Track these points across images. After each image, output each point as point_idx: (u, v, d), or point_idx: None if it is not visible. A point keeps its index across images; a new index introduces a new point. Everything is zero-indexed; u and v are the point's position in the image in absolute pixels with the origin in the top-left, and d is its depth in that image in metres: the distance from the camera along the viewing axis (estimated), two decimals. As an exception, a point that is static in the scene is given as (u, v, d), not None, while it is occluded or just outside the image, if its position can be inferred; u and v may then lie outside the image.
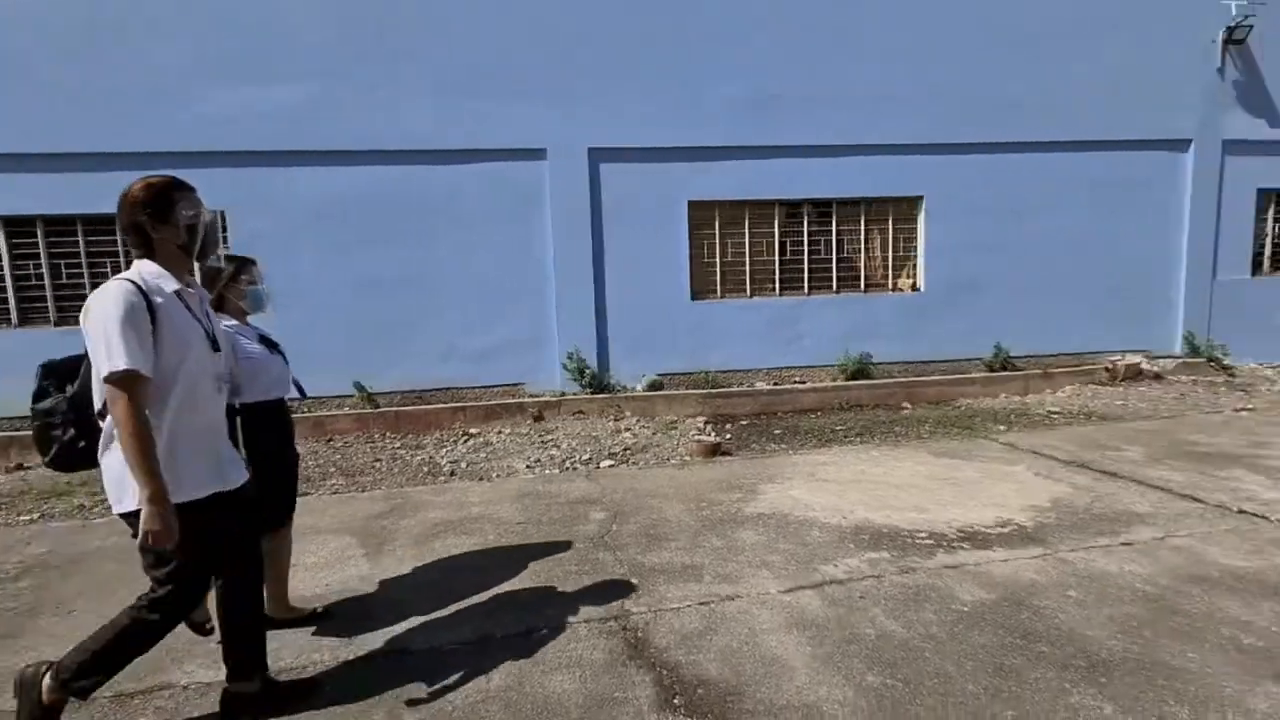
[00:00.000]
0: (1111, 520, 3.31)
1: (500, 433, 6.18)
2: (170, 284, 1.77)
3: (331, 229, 6.63)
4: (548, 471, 4.78)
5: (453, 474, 4.83)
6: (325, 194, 6.60)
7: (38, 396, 1.84)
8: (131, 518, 1.71)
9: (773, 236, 7.44)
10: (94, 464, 1.81)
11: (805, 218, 7.46)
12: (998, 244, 7.70)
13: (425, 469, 4.98)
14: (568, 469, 4.82)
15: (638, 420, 6.44)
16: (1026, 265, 7.79)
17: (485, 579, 2.90)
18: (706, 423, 6.40)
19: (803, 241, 7.48)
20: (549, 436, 5.87)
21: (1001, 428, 5.55)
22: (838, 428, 5.83)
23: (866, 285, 7.69)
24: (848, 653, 2.19)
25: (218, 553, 1.86)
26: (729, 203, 7.29)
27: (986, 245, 7.66)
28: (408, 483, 4.62)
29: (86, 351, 1.72)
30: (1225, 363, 7.94)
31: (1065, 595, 2.53)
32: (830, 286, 7.60)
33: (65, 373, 1.87)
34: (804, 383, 7.34)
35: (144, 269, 1.77)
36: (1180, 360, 7.85)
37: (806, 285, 7.55)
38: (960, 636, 2.25)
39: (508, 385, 7.06)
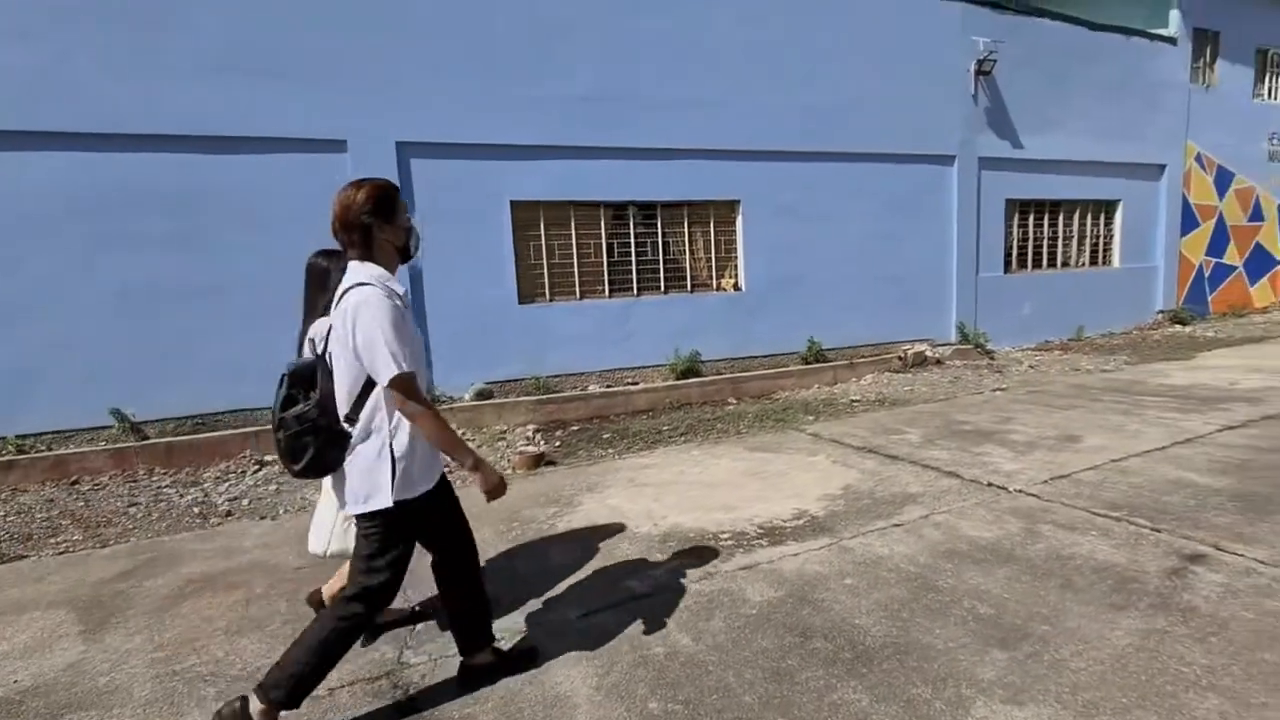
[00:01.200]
0: (889, 503, 3.62)
1: (304, 458, 5.49)
2: (397, 286, 1.83)
3: (85, 227, 5.47)
4: (349, 501, 4.29)
5: (230, 514, 4.17)
6: (74, 185, 5.42)
7: (287, 404, 1.84)
8: (375, 516, 1.79)
9: (600, 238, 7.40)
10: (334, 469, 1.86)
11: (631, 220, 7.52)
12: (808, 245, 8.31)
13: (196, 510, 4.25)
14: (373, 496, 4.37)
15: (464, 433, 6.06)
16: (832, 265, 8.50)
17: (231, 651, 2.46)
18: (537, 431, 6.20)
19: (630, 243, 7.53)
20: (359, 459, 5.31)
21: (810, 418, 5.96)
22: (665, 428, 5.91)
23: (693, 285, 7.94)
24: (634, 678, 2.11)
25: (446, 534, 1.99)
26: (554, 203, 7.13)
27: (798, 246, 8.25)
28: (168, 530, 3.90)
29: (321, 357, 1.85)
30: (988, 348, 9.28)
31: (843, 584, 2.67)
32: (658, 287, 7.74)
33: (309, 379, 1.88)
34: (637, 384, 7.40)
35: (374, 273, 1.80)
36: (955, 347, 9.05)
37: (635, 286, 7.62)
38: (745, 642, 2.28)
39: (314, 403, 6.33)
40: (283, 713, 1.78)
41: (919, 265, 9.11)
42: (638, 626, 2.43)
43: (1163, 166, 11.14)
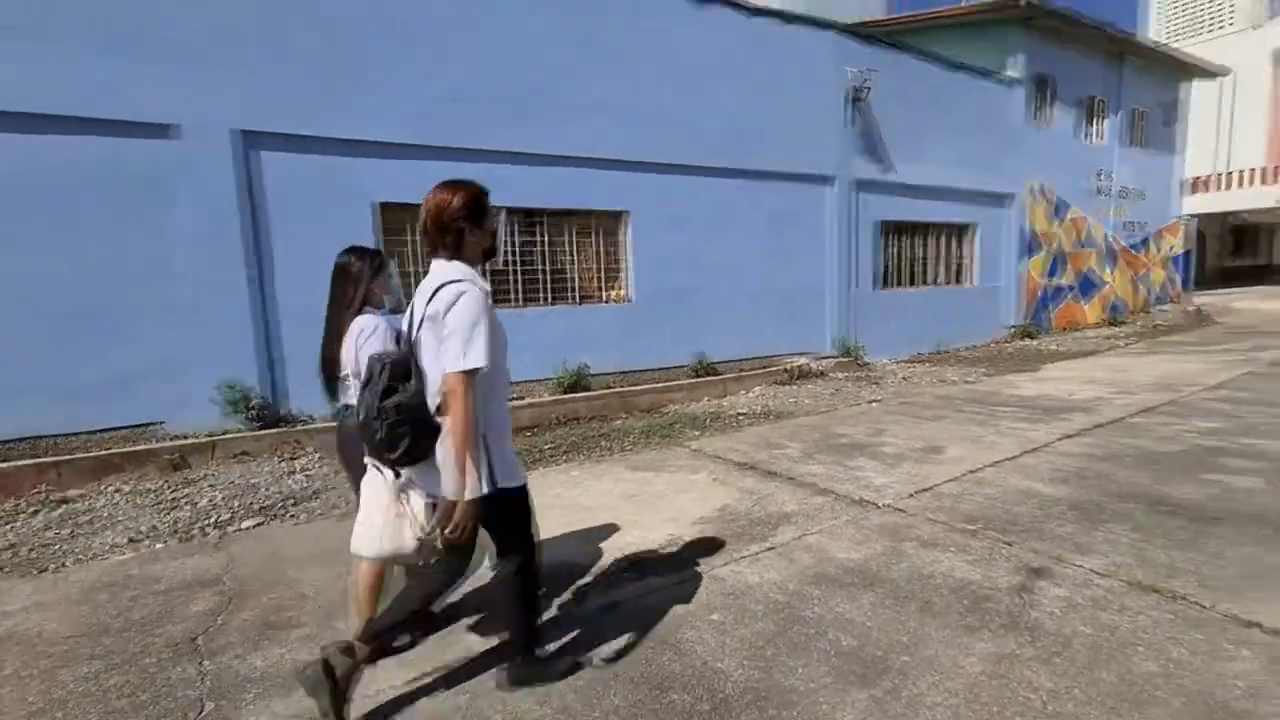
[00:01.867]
0: (764, 524, 3.54)
1: (118, 492, 4.68)
2: (485, 284, 1.90)
3: None
4: (159, 545, 3.64)
5: (-4, 569, 3.40)
6: None
7: (386, 394, 1.84)
8: (492, 500, 1.87)
9: (481, 246, 7.00)
10: (425, 458, 1.87)
11: (514, 227, 7.18)
12: (696, 258, 8.34)
13: (-52, 566, 3.43)
14: (191, 537, 3.74)
15: (321, 457, 5.45)
16: (720, 278, 8.58)
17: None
18: (407, 452, 5.69)
19: (514, 252, 7.19)
20: (186, 491, 4.60)
21: (696, 434, 5.88)
22: (547, 447, 5.61)
23: (580, 297, 7.71)
24: (462, 759, 1.81)
25: (521, 533, 2.07)
26: (430, 207, 6.66)
27: (687, 259, 8.25)
28: (-101, 596, 3.10)
29: (415, 334, 1.88)
30: (866, 361, 9.75)
31: (709, 620, 2.51)
32: (544, 298, 7.44)
33: (406, 370, 1.87)
34: (522, 399, 7.04)
35: (464, 271, 1.89)
36: (836, 360, 9.42)
37: (520, 297, 7.28)
38: (596, 701, 2.04)
39: (137, 427, 5.46)
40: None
41: (801, 281, 9.42)
42: (483, 686, 2.13)
43: (1010, 196, 12.29)
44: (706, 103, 8.18)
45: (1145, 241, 15.93)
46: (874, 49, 9.83)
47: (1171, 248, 16.97)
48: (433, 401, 1.85)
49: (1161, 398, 6.45)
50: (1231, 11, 25.85)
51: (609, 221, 7.81)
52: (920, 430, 5.57)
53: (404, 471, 2.00)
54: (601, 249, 7.78)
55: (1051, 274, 13.55)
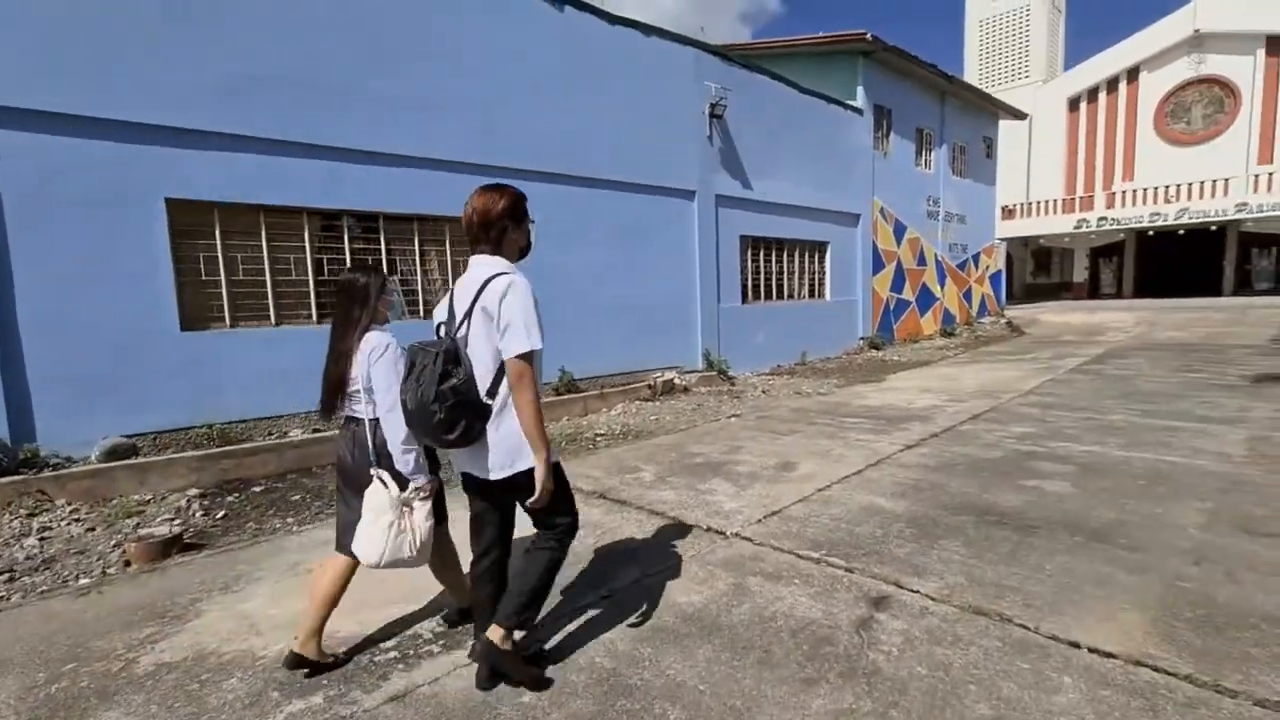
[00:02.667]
0: (606, 564, 3.20)
1: None
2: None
3: None
4: None
5: None
6: None
7: (443, 378, 1.92)
8: (525, 475, 2.01)
9: (304, 252, 6.15)
10: (477, 440, 2.00)
11: (346, 232, 6.39)
12: (558, 271, 7.94)
13: None
14: None
15: (75, 509, 4.39)
16: (583, 292, 8.26)
17: None
18: (200, 497, 4.77)
19: (344, 259, 6.39)
20: None
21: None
22: (375, 482, 4.92)
23: (427, 310, 7.03)
24: None
25: (565, 503, 2.21)
26: (235, 206, 5.72)
27: (548, 271, 7.80)
28: None
29: (463, 323, 2.01)
30: (730, 374, 9.86)
31: (518, 704, 2.09)
32: (384, 312, 6.69)
33: (456, 357, 1.98)
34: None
35: (507, 265, 2.08)
36: (701, 374, 9.41)
37: (354, 311, 6.48)
38: None
39: None
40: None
41: (667, 294, 9.34)
42: None
43: (858, 216, 13.16)
44: (567, 110, 7.87)
45: (968, 261, 17.78)
46: (732, 68, 10.06)
47: (989, 267, 19.11)
48: (482, 385, 2.01)
49: (985, 404, 6.97)
50: (1028, 65, 30.02)
51: (458, 229, 7.21)
52: (775, 446, 5.54)
53: (419, 480, 2.27)
54: (451, 258, 7.17)
55: (895, 289, 14.69)
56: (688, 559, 3.21)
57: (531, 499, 1.99)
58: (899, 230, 14.62)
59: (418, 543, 2.29)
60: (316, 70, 5.97)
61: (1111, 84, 26.95)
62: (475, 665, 2.22)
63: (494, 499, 2.18)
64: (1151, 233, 25.15)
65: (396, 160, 6.55)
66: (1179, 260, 26.67)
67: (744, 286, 10.81)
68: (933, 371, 10.10)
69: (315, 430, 5.99)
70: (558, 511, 2.14)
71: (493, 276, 2.00)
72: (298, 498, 4.69)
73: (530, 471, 1.99)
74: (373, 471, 2.27)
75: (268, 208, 5.90)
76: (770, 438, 5.86)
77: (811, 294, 12.45)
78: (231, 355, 5.71)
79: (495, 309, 1.95)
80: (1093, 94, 27.50)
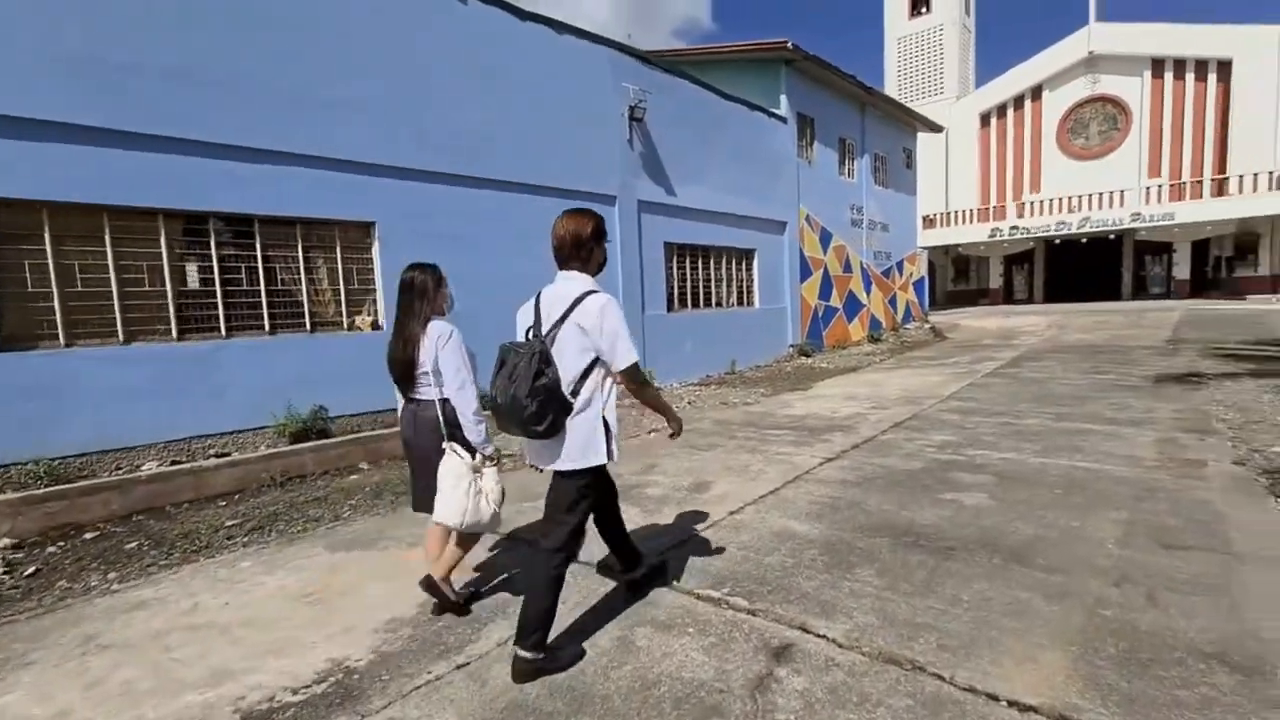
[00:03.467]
0: (463, 624, 2.72)
1: None
2: None
3: None
4: None
5: None
6: None
7: (537, 376, 2.14)
8: (586, 473, 2.30)
9: (160, 259, 5.40)
10: (559, 433, 2.22)
11: (213, 236, 5.67)
12: (472, 278, 7.36)
13: None
14: None
15: None
16: (501, 300, 7.67)
17: None
18: (15, 547, 4.01)
19: (213, 268, 5.67)
20: None
21: (444, 485, 4.93)
22: (232, 522, 4.26)
23: (314, 324, 6.35)
24: None
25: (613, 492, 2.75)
26: (71, 206, 4.94)
27: (459, 279, 7.23)
28: None
29: (554, 329, 2.24)
30: (657, 385, 9.52)
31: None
32: (261, 326, 5.97)
33: (547, 358, 2.18)
34: (227, 454, 5.52)
35: (591, 281, 2.35)
36: (625, 385, 9.03)
37: (224, 325, 5.75)
38: None
39: None
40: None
41: (588, 303, 8.93)
42: None
43: (784, 223, 13.16)
44: (477, 109, 7.38)
45: (892, 269, 18.22)
46: (652, 71, 9.80)
47: (912, 274, 19.66)
48: (567, 386, 2.21)
49: (907, 411, 6.88)
50: (943, 82, 31.46)
51: (353, 234, 6.59)
52: (692, 462, 5.20)
53: (480, 454, 2.62)
54: (342, 266, 6.52)
55: (823, 296, 14.79)
56: (571, 608, 2.78)
57: (670, 432, 2.53)
58: (825, 238, 14.76)
59: (493, 505, 2.62)
60: (184, 58, 5.27)
61: (1018, 101, 28.55)
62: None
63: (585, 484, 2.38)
64: (1058, 241, 26.68)
65: (276, 158, 5.88)
66: (1083, 266, 28.40)
67: (670, 294, 10.53)
68: (859, 378, 10.07)
69: (174, 462, 5.23)
70: (571, 520, 2.35)
71: (586, 294, 2.24)
72: (134, 545, 3.98)
73: (588, 474, 2.31)
74: (445, 445, 2.60)
75: (113, 209, 5.13)
76: (689, 454, 5.51)
77: (740, 302, 12.31)
78: (69, 378, 4.90)
79: (593, 326, 2.20)
80: (1002, 110, 29.05)
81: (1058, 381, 8.49)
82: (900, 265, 18.84)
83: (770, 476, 4.67)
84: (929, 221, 28.51)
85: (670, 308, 10.48)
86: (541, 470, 2.36)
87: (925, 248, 27.74)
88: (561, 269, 2.39)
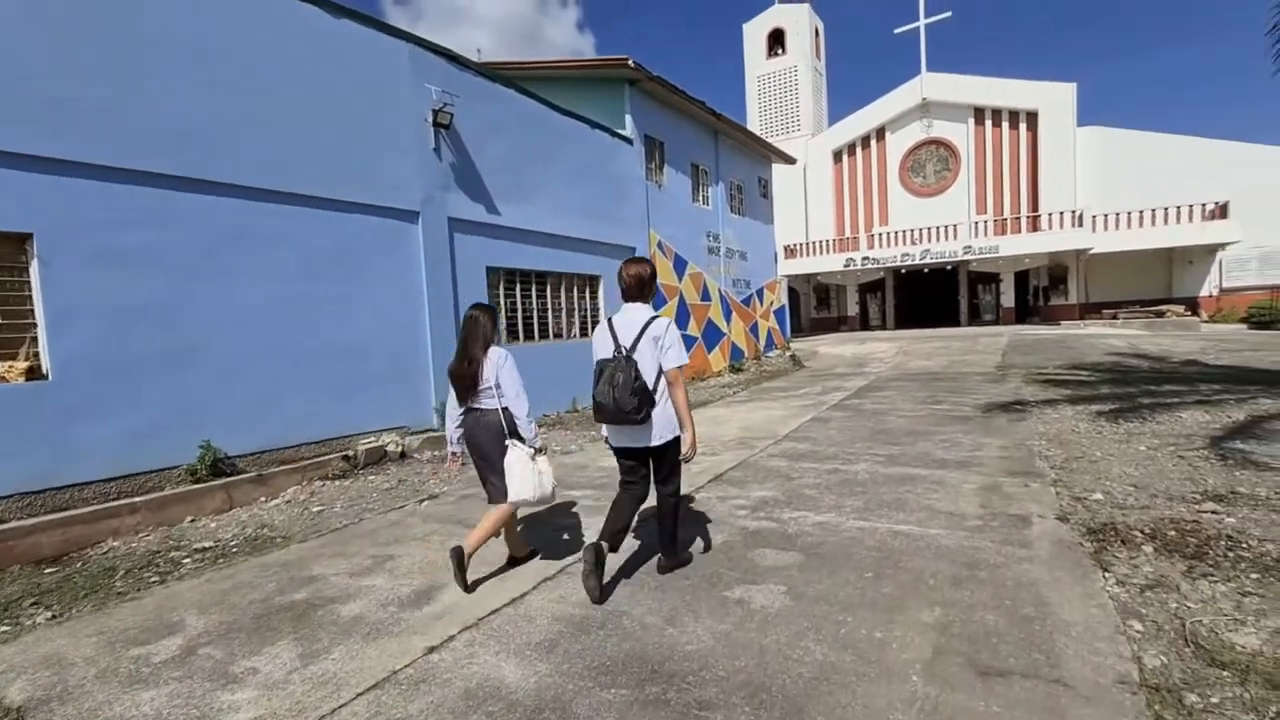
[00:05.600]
0: None
1: None
2: None
3: None
4: None
5: None
6: None
7: (635, 379, 2.96)
8: (671, 445, 3.13)
9: None
10: (646, 421, 3.02)
11: None
12: (192, 308, 5.78)
13: None
14: None
15: None
16: (244, 334, 6.12)
17: None
18: None
19: None
20: None
21: (53, 607, 3.31)
22: None
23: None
24: None
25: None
26: None
27: (172, 309, 5.62)
28: None
29: (633, 348, 3.04)
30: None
31: None
32: None
33: (636, 369, 2.99)
34: None
35: (652, 309, 3.21)
36: (428, 434, 7.62)
37: None
38: None
39: None
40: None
41: (385, 338, 7.48)
42: None
43: (633, 249, 12.39)
44: (220, 98, 5.84)
45: (752, 297, 18.16)
46: (465, 74, 8.66)
47: (773, 302, 19.79)
48: (650, 384, 3.02)
49: (735, 459, 6.07)
50: (799, 119, 33.11)
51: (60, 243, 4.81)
52: (438, 554, 3.94)
53: (533, 447, 3.40)
54: (40, 285, 4.71)
55: (680, 325, 14.18)
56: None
57: (684, 454, 3.14)
58: (680, 265, 14.22)
59: (551, 482, 3.40)
60: None
61: (865, 140, 30.53)
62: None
63: (645, 460, 3.23)
64: (904, 271, 28.48)
65: None
66: (927, 295, 30.58)
67: (499, 326, 9.27)
68: (703, 415, 9.32)
69: None
70: (676, 474, 3.27)
71: (653, 319, 3.12)
72: None
73: (674, 440, 3.13)
74: (508, 442, 3.34)
75: None
76: (443, 539, 4.25)
77: (584, 332, 11.28)
78: None
79: (660, 338, 3.07)
80: (852, 148, 30.94)
81: (896, 414, 8.16)
82: (760, 293, 18.85)
83: (520, 576, 3.53)
84: (791, 251, 29.48)
85: (496, 341, 9.21)
86: (628, 450, 3.20)
87: (787, 276, 28.62)
88: (628, 301, 3.23)
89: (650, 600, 3.07)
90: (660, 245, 13.37)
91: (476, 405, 3.40)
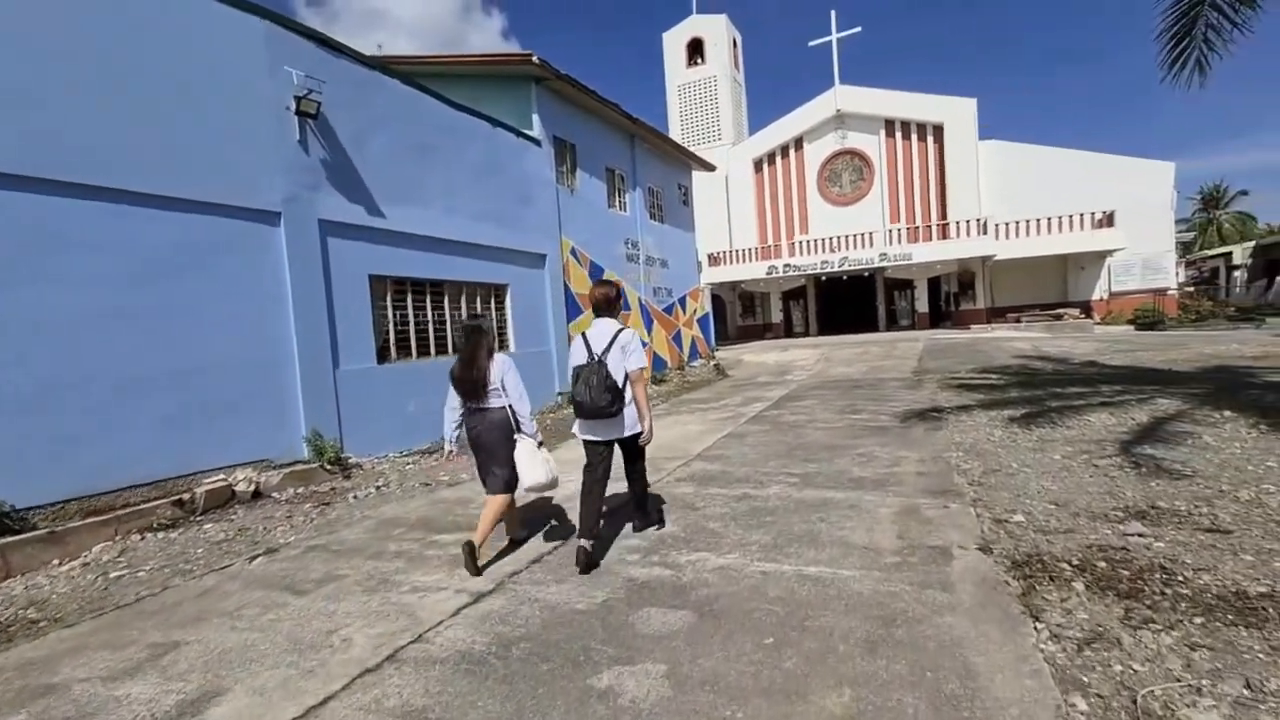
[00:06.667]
0: None
1: None
2: None
3: None
4: None
5: None
6: None
7: (606, 380, 3.54)
8: (636, 434, 3.74)
9: None
10: (617, 415, 3.63)
11: None
12: (23, 327, 4.65)
13: None
14: None
15: None
16: (49, 357, 5.00)
17: None
18: None
19: None
20: None
21: None
22: None
23: None
24: None
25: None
26: None
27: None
28: None
29: (605, 354, 3.62)
30: (350, 462, 7.21)
31: None
32: None
33: (607, 370, 3.57)
34: None
35: (619, 323, 3.81)
36: (297, 468, 6.60)
37: None
38: None
39: None
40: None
41: (237, 354, 6.42)
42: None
43: (543, 256, 11.66)
44: (34, 85, 4.72)
45: (674, 305, 17.76)
46: (339, 59, 7.72)
47: (696, 311, 19.48)
48: (620, 383, 3.61)
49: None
50: (720, 128, 33.34)
51: None
52: (242, 635, 3.08)
53: (537, 437, 3.93)
54: None
55: (597, 336, 13.51)
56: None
57: (642, 439, 3.77)
58: (596, 273, 13.58)
59: (554, 469, 3.86)
60: None
61: (784, 150, 31.00)
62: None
63: (611, 449, 3.81)
64: (824, 278, 28.99)
65: None
66: (847, 301, 31.27)
67: (384, 341, 8.33)
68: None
69: None
70: (641, 455, 4.02)
71: (620, 330, 3.71)
72: None
73: (637, 434, 3.75)
74: (516, 436, 3.79)
75: None
76: (258, 611, 3.38)
77: (496, 345, 10.43)
78: None
79: (626, 345, 3.66)
80: (771, 158, 31.35)
81: (814, 425, 7.79)
82: (683, 301, 18.49)
83: (345, 659, 2.74)
84: (715, 259, 29.49)
85: (383, 358, 8.27)
86: (598, 442, 3.78)
87: (712, 284, 28.55)
88: (598, 317, 3.84)
89: (490, 700, 2.37)
90: (574, 252, 12.70)
91: (483, 405, 3.79)
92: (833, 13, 29.49)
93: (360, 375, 7.76)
